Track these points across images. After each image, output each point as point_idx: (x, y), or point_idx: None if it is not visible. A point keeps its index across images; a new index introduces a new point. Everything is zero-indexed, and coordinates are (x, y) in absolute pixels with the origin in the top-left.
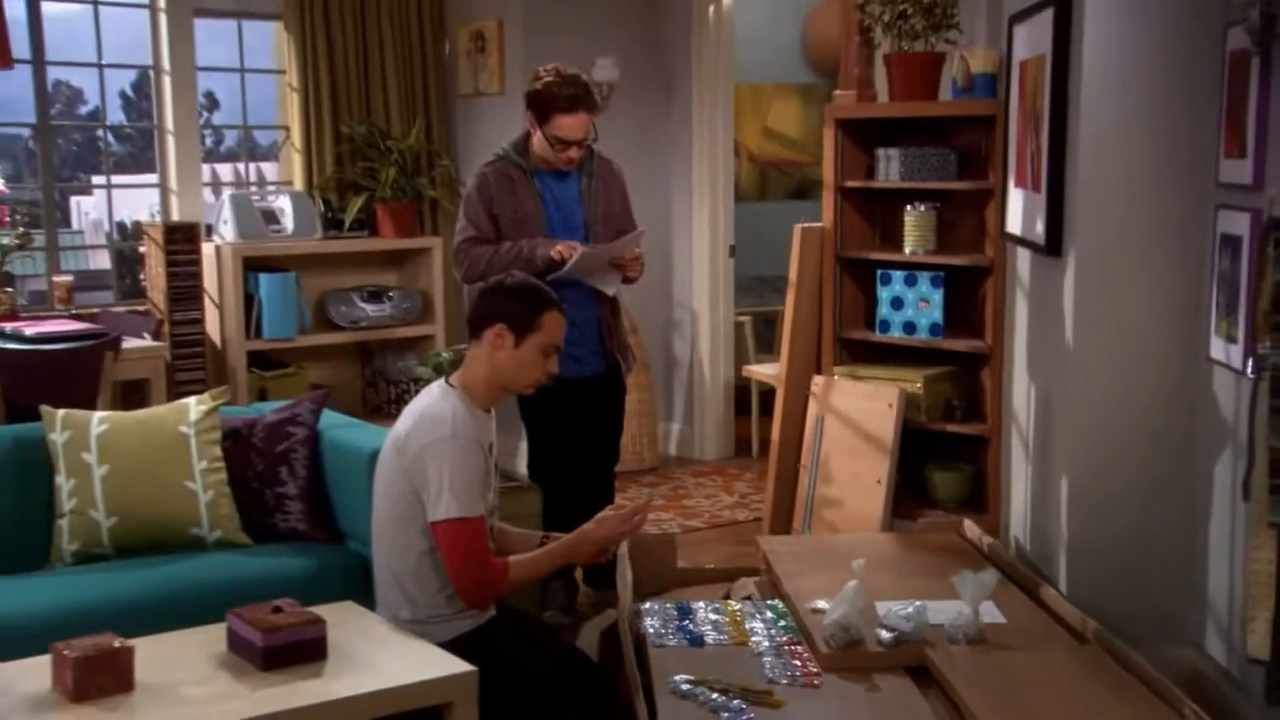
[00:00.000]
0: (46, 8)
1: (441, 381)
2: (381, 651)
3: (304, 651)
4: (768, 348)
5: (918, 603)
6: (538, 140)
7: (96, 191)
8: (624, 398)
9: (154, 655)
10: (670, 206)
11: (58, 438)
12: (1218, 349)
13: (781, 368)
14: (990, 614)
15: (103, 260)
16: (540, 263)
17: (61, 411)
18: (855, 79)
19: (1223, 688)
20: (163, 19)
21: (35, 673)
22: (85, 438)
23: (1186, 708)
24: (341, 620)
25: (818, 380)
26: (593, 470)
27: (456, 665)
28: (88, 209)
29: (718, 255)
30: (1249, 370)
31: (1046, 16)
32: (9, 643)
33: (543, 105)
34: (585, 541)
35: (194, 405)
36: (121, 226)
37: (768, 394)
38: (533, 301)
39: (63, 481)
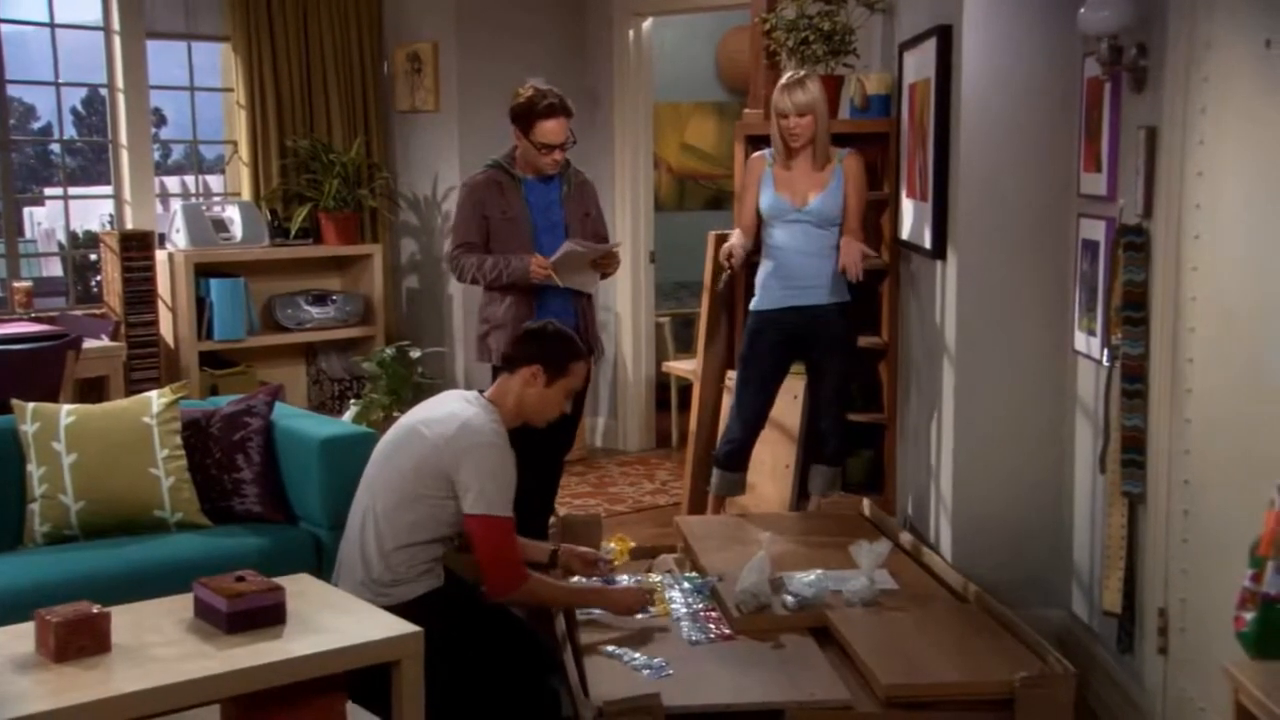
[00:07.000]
0: (3, 28)
1: (475, 393)
2: (335, 616)
3: (265, 616)
4: (686, 346)
5: (819, 571)
6: (524, 150)
7: (49, 202)
8: (587, 387)
9: (127, 621)
10: None
11: (28, 428)
12: (1080, 341)
13: (698, 364)
14: (883, 580)
15: (53, 267)
16: (518, 275)
17: (31, 404)
18: (763, 99)
19: (1085, 641)
20: (117, 40)
21: (19, 638)
22: (54, 428)
23: (1050, 655)
24: (299, 590)
25: (731, 375)
26: (547, 454)
27: (404, 627)
28: (39, 219)
29: (639, 261)
30: (1105, 359)
31: (931, 45)
32: None
33: (525, 116)
34: (611, 604)
35: (156, 398)
36: (73, 236)
37: (686, 389)
38: (568, 351)
39: (33, 469)
